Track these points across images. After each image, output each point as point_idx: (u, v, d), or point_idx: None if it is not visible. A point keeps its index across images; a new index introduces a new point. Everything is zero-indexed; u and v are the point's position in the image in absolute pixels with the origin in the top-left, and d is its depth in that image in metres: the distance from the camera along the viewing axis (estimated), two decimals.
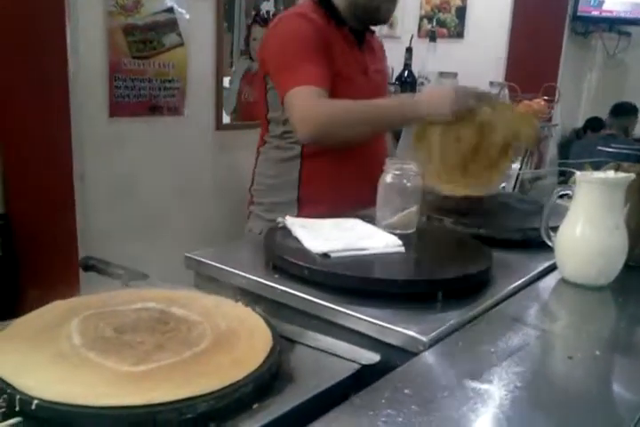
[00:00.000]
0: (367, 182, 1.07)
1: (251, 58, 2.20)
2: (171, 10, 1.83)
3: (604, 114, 4.05)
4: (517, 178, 1.91)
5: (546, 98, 2.04)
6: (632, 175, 0.89)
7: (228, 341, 0.65)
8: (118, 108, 1.78)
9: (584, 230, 0.90)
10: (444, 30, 4.96)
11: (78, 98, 1.64)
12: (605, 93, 4.38)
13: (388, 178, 1.00)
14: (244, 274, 0.85)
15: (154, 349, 0.62)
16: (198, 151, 2.01)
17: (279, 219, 0.97)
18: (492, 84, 2.15)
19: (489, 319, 0.76)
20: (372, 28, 1.48)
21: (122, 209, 1.86)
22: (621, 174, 0.90)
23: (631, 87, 4.47)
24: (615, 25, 4.20)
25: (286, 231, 0.94)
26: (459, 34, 4.83)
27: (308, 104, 1.24)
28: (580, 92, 4.57)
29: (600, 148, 2.73)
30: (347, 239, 0.90)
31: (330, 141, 1.30)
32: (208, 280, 0.90)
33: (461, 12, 4.82)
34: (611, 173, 0.91)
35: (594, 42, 4.41)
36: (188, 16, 1.88)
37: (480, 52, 4.35)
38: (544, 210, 0.96)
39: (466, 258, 0.89)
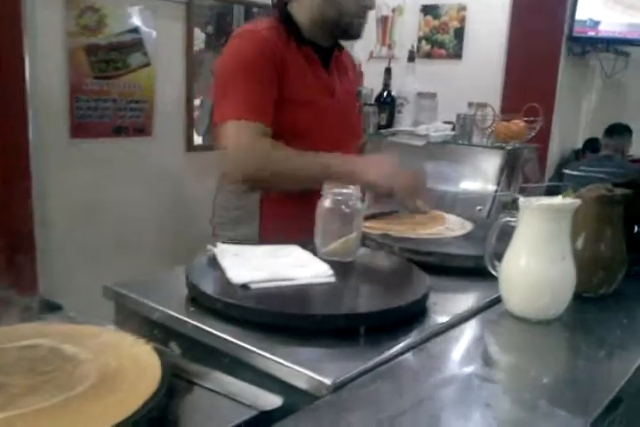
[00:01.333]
0: None
1: None
2: (136, 30, 1.81)
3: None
4: (494, 200, 1.84)
5: (526, 119, 1.99)
6: (577, 201, 0.83)
7: (112, 383, 0.60)
8: (80, 129, 1.75)
9: (528, 261, 0.84)
10: (443, 51, 4.95)
11: (37, 119, 1.62)
12: (604, 114, 4.32)
13: (325, 203, 0.95)
14: (157, 307, 0.79)
15: (24, 393, 0.57)
16: (167, 174, 1.96)
17: (209, 246, 0.92)
18: (470, 105, 2.11)
19: (412, 359, 0.70)
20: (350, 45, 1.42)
21: (84, 234, 1.81)
22: (567, 200, 0.84)
23: (630, 107, 4.41)
24: (612, 45, 4.16)
25: (214, 260, 0.89)
26: (457, 55, 4.82)
27: (244, 143, 1.17)
28: (579, 113, 4.52)
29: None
30: (274, 268, 0.85)
31: (258, 187, 1.25)
32: (126, 313, 0.85)
33: (459, 33, 4.82)
34: (557, 199, 0.85)
35: (592, 62, 4.37)
36: (154, 35, 1.86)
37: (478, 72, 4.33)
38: (488, 236, 0.90)
39: (400, 289, 0.83)
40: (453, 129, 2.14)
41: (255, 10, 2.42)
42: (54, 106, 1.68)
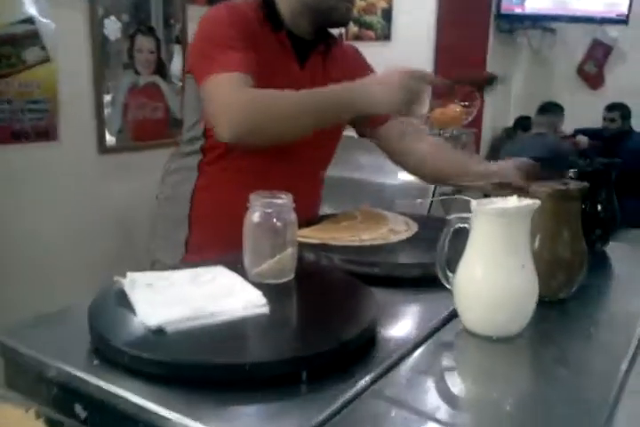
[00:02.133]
0: None
1: (136, 72, 1.98)
2: (30, 20, 1.60)
3: (533, 112, 4.01)
4: (434, 192, 1.74)
5: (463, 104, 1.91)
6: (536, 202, 0.74)
7: None
8: None
9: (484, 271, 0.75)
10: (371, 33, 4.86)
11: None
12: (533, 91, 4.35)
13: (253, 217, 0.82)
14: (52, 362, 0.65)
15: None
16: (79, 180, 1.75)
17: (116, 277, 0.78)
18: None
19: (362, 407, 0.59)
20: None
21: None
22: (525, 202, 0.75)
23: (558, 83, 4.47)
24: (539, 22, 4.17)
25: (123, 294, 0.75)
26: (386, 36, 4.74)
27: (229, 93, 1.02)
28: (509, 91, 4.54)
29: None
30: (194, 301, 0.72)
31: (258, 138, 1.05)
32: (18, 369, 0.70)
33: (387, 14, 4.74)
34: (512, 201, 0.75)
35: (519, 40, 4.38)
36: (53, 26, 1.65)
37: (408, 54, 4.26)
38: (439, 244, 0.80)
39: (344, 317, 0.72)
40: None
41: None
42: None
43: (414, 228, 1.12)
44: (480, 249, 0.75)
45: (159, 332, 0.65)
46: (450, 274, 0.80)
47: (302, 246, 0.98)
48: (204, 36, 1.12)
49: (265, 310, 0.72)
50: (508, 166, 1.16)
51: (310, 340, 0.65)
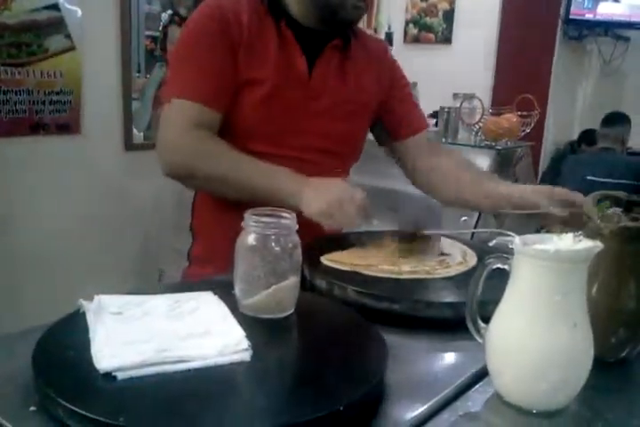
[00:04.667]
0: None
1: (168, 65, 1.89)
2: (55, 6, 1.52)
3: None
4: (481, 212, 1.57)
5: (520, 113, 1.73)
6: (598, 245, 0.58)
7: None
8: None
9: (525, 329, 0.59)
10: (431, 35, 4.70)
11: None
12: (602, 103, 4.06)
13: (248, 239, 0.69)
14: None
15: None
16: (102, 177, 1.66)
17: (80, 301, 0.66)
18: (455, 95, 1.85)
19: None
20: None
21: None
22: (584, 243, 0.59)
23: (629, 96, 4.17)
24: (611, 29, 3.90)
25: (84, 324, 0.63)
26: (446, 39, 4.56)
27: (176, 135, 0.99)
28: (575, 102, 4.27)
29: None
30: (163, 340, 0.59)
31: (191, 186, 1.08)
32: None
33: (449, 16, 4.56)
34: (567, 241, 0.59)
35: (589, 47, 4.12)
36: (80, 13, 1.57)
37: (468, 58, 4.07)
38: (470, 288, 0.65)
39: (344, 371, 0.58)
40: (436, 125, 1.88)
41: None
42: None
43: (472, 259, 0.92)
44: (521, 300, 0.60)
45: (109, 378, 0.53)
46: (483, 325, 0.65)
47: (330, 274, 0.84)
48: (180, 46, 1.06)
49: (245, 356, 0.58)
50: (531, 191, 1.01)
51: (292, 402, 0.51)
